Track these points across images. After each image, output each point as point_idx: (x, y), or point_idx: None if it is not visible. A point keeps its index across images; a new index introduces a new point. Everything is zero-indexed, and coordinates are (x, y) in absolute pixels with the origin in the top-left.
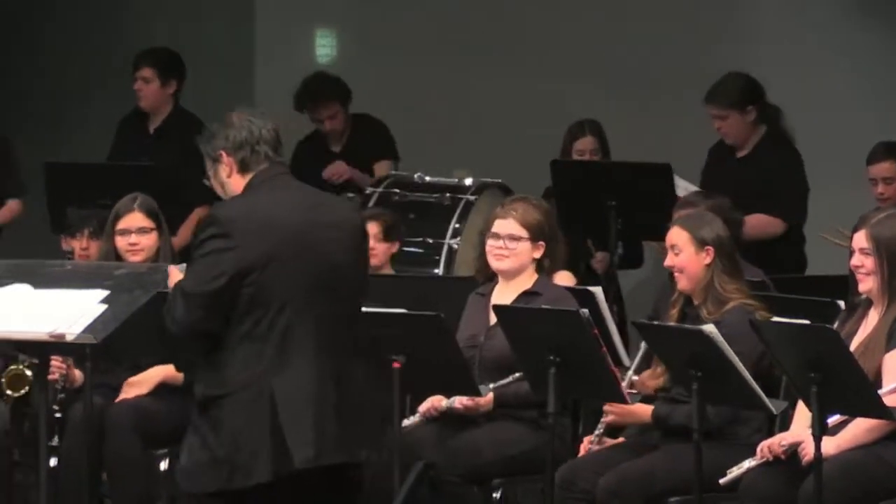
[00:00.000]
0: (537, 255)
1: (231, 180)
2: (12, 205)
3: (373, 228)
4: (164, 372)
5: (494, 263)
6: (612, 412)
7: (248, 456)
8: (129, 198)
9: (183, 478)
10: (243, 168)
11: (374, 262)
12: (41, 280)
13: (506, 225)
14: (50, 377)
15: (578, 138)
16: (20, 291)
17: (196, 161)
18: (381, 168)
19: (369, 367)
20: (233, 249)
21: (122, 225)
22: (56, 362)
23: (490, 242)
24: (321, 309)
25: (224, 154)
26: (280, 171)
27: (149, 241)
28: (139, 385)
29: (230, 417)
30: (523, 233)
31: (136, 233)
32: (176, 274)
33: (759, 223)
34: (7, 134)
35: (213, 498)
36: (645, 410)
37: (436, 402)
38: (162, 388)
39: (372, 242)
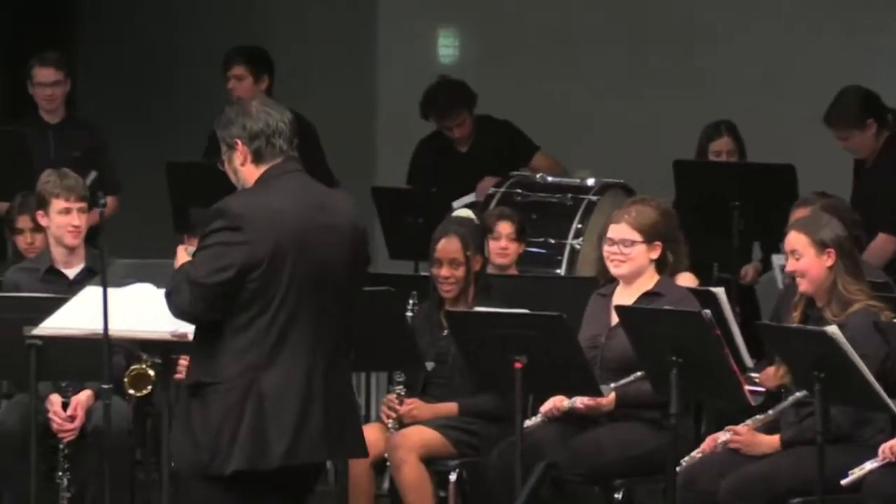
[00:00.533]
0: (654, 255)
1: (244, 169)
2: (107, 202)
3: (506, 228)
4: None
5: (612, 269)
6: (738, 441)
7: (227, 445)
8: None
9: (172, 457)
10: (257, 158)
11: (505, 261)
12: (164, 279)
13: (619, 230)
14: (177, 376)
15: (714, 139)
16: (143, 291)
17: (304, 154)
18: (540, 160)
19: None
20: (243, 244)
21: None
22: (185, 361)
23: (606, 248)
24: (315, 309)
25: (239, 142)
26: (292, 168)
27: None
28: None
29: (216, 406)
30: (636, 236)
31: None
32: (182, 255)
33: (874, 250)
34: (129, 133)
35: (195, 481)
36: (772, 441)
37: (557, 402)
38: None
39: (504, 242)
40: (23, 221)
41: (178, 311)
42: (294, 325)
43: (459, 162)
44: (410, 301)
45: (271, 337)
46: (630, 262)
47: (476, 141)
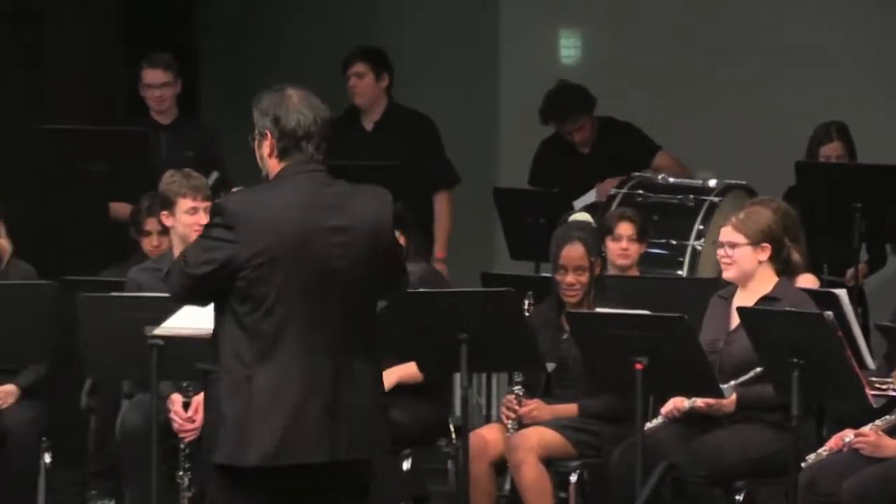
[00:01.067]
0: (762, 257)
1: (270, 160)
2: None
3: (627, 229)
4: (401, 372)
5: (723, 272)
6: (863, 443)
7: (217, 435)
8: None
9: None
10: (282, 154)
11: (626, 262)
12: None
13: (725, 232)
14: None
15: (825, 143)
16: None
17: (425, 150)
18: (662, 159)
19: (373, 369)
20: (231, 243)
21: None
22: None
23: (718, 251)
24: (317, 310)
25: (269, 134)
26: (309, 169)
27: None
28: None
29: (215, 395)
30: (740, 239)
31: None
32: None
33: None
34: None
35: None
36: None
37: (678, 402)
38: (397, 388)
39: (625, 243)
40: (151, 224)
41: (171, 294)
42: (291, 325)
43: (581, 163)
44: (526, 301)
45: (264, 335)
46: (735, 265)
47: (597, 142)
